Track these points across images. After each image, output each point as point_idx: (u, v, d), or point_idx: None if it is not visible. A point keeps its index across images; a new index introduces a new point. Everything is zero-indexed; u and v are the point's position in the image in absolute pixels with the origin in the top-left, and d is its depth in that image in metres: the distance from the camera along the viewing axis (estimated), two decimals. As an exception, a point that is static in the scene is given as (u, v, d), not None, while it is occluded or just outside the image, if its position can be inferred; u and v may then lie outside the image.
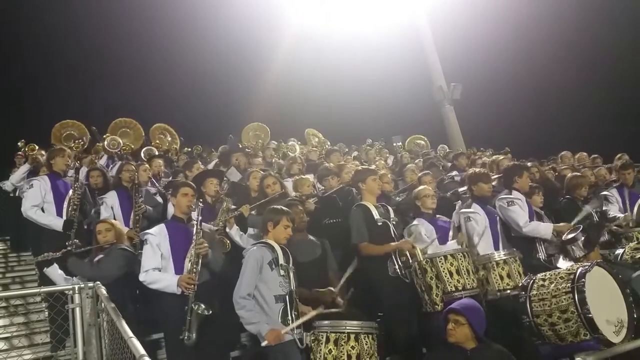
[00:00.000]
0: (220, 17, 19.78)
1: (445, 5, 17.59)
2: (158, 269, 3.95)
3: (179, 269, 3.96)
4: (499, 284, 4.16)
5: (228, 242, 4.83)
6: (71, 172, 5.83)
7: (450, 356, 3.38)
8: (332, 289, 4.01)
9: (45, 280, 4.60)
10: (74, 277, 4.29)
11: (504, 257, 4.26)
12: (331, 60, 19.76)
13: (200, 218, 3.98)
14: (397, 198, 6.12)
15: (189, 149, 11.44)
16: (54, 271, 4.37)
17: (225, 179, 6.15)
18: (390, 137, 13.85)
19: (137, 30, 18.87)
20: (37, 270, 6.62)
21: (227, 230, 4.84)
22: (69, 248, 4.49)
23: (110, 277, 4.16)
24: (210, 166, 8.02)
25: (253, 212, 5.05)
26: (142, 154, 9.53)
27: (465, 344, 3.33)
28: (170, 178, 7.70)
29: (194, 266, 3.85)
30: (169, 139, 11.21)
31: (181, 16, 20.77)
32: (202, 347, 3.74)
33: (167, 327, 3.97)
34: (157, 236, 4.05)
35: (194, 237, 3.94)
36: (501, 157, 7.54)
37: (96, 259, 4.42)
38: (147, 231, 4.15)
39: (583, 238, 4.40)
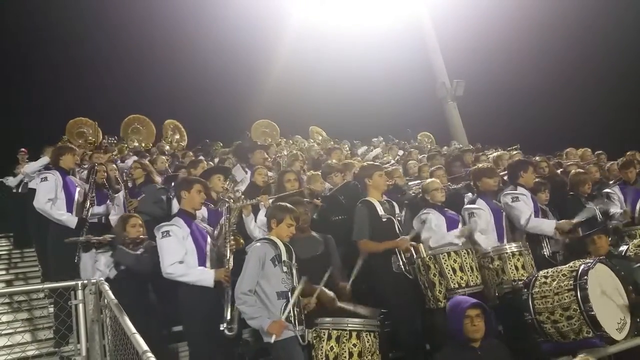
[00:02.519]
0: (223, 16, 19.77)
1: (448, 1, 17.54)
2: (181, 262, 3.95)
3: (201, 264, 4.02)
4: (515, 274, 4.19)
5: (242, 240, 4.82)
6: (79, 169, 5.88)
7: (462, 355, 3.38)
8: (334, 295, 3.93)
9: (49, 276, 4.61)
10: (100, 270, 4.31)
11: (518, 249, 4.33)
12: (334, 57, 19.72)
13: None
14: (411, 191, 6.07)
15: (199, 147, 11.42)
16: (88, 259, 4.36)
17: (230, 176, 6.16)
18: (389, 135, 13.78)
19: (141, 28, 18.88)
20: (40, 267, 6.67)
21: (244, 216, 4.83)
22: (111, 236, 4.52)
23: (149, 271, 4.20)
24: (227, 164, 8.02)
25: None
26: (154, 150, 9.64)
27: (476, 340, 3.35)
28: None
29: (228, 260, 3.98)
30: (177, 136, 11.27)
31: (184, 14, 20.78)
32: (220, 340, 3.83)
33: (192, 319, 3.96)
34: (182, 229, 4.05)
35: (225, 231, 4.08)
36: (505, 152, 7.48)
37: (138, 252, 4.42)
38: (169, 223, 4.10)
39: None
